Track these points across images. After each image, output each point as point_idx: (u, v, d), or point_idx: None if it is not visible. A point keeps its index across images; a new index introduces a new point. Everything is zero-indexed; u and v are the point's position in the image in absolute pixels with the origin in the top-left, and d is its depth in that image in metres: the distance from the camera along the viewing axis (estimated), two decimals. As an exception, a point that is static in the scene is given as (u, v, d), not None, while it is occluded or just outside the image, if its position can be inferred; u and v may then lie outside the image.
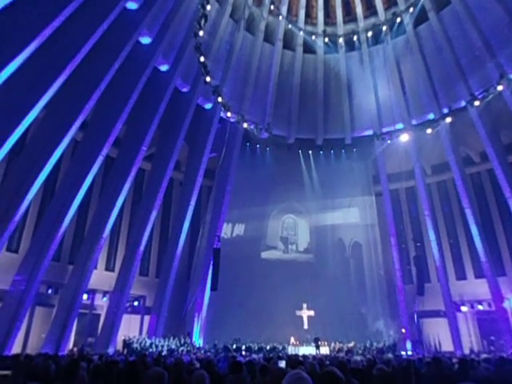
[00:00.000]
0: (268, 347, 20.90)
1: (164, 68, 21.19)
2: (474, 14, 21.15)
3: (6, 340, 15.44)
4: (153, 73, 19.93)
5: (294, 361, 6.44)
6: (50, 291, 19.02)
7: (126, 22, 17.83)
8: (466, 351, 21.14)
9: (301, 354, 16.73)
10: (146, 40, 19.68)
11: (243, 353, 19.27)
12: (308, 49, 26.95)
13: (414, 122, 24.36)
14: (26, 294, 16.40)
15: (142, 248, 21.06)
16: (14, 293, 16.41)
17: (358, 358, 8.03)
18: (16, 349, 16.07)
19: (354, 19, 26.22)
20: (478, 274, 23.41)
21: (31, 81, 14.87)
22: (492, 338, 22.11)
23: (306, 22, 26.49)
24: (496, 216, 24.32)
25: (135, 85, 18.90)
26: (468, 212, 22.44)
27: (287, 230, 28.98)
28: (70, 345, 19.15)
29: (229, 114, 22.10)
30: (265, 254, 27.45)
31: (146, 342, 19.76)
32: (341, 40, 26.12)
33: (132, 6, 18.24)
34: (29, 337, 18.14)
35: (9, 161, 17.28)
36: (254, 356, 12.98)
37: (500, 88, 19.15)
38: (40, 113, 15.77)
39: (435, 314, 23.53)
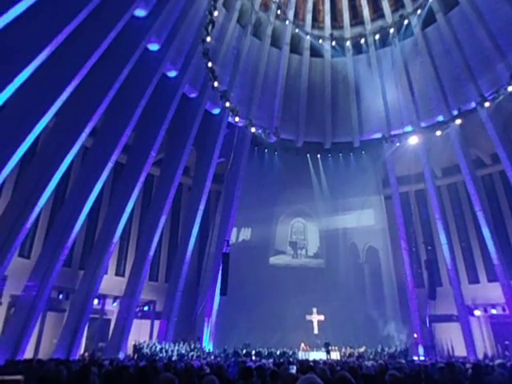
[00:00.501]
0: (278, 352, 20.79)
1: (172, 74, 21.38)
2: (483, 15, 21.00)
3: (18, 345, 15.60)
4: (161, 79, 20.13)
5: (305, 366, 6.38)
6: (61, 296, 19.22)
7: (134, 30, 18.09)
8: (480, 356, 20.79)
9: (311, 359, 16.61)
10: (154, 47, 19.91)
11: (253, 358, 19.19)
12: (315, 53, 26.94)
13: (423, 124, 24.19)
14: (37, 300, 16.57)
15: (151, 253, 21.15)
16: (26, 298, 16.61)
17: (370, 363, 7.93)
18: (28, 354, 16.22)
19: (361, 22, 26.19)
20: (491, 278, 23.04)
21: (42, 89, 15.12)
22: (506, 342, 21.67)
23: (312, 26, 26.54)
24: (509, 218, 23.94)
25: (144, 91, 19.11)
26: (480, 214, 22.12)
27: (296, 234, 28.78)
28: (81, 350, 19.29)
29: (237, 119, 22.14)
30: (273, 259, 27.33)
31: (156, 347, 19.79)
32: (348, 43, 26.13)
33: (140, 13, 18.51)
34: (40, 342, 18.33)
35: (20, 168, 17.54)
36: (264, 361, 12.92)
37: (510, 89, 18.84)
38: (50, 121, 16.01)
39: (448, 318, 23.17)
